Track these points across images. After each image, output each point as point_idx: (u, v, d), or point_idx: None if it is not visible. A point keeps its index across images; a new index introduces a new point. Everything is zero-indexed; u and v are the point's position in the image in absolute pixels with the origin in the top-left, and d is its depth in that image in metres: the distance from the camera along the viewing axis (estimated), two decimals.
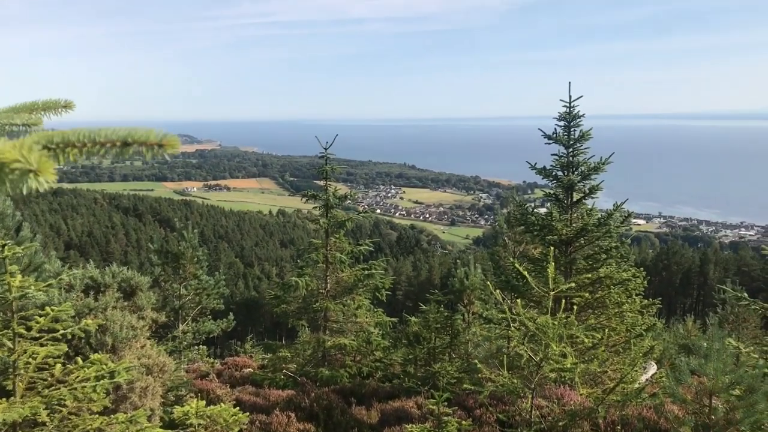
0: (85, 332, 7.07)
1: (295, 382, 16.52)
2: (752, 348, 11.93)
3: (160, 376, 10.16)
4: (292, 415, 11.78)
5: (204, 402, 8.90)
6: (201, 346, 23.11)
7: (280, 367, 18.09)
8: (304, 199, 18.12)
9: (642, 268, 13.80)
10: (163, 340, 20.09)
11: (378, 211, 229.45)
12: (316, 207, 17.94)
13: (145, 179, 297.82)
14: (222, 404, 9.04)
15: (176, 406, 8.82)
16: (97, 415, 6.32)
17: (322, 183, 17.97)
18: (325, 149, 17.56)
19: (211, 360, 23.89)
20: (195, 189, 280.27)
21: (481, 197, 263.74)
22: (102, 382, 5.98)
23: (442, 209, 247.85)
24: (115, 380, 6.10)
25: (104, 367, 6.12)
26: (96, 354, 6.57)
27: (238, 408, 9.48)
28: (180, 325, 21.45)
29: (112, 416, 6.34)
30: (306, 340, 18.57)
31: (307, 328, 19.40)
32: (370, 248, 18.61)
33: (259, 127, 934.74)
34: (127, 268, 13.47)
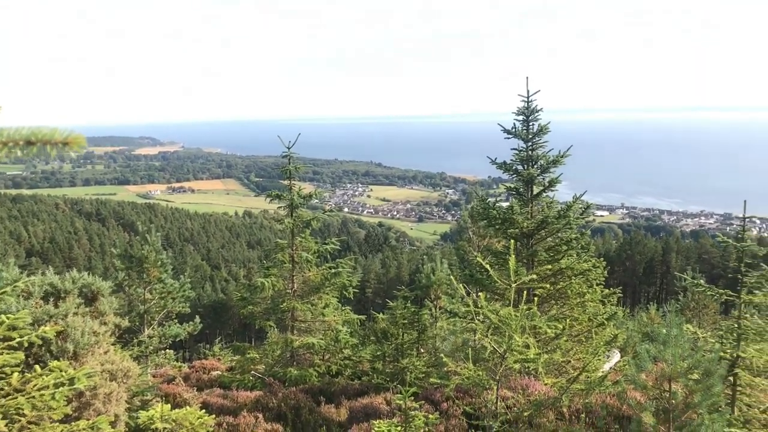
0: (44, 339, 6.96)
1: (263, 383, 16.45)
2: (710, 333, 12.26)
3: (125, 381, 10.04)
4: (260, 415, 11.74)
5: (169, 406, 8.83)
6: (168, 350, 22.85)
7: (249, 368, 17.99)
8: (268, 200, 18.03)
9: (603, 259, 14.04)
10: (128, 345, 19.82)
11: (345, 209, 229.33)
12: (280, 207, 17.86)
13: (108, 183, 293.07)
14: (188, 407, 8.98)
15: (141, 411, 8.74)
16: (57, 423, 6.24)
17: (287, 183, 17.89)
18: (288, 148, 17.47)
19: (179, 364, 23.65)
20: (158, 192, 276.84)
21: (448, 193, 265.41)
22: (61, 389, 5.89)
23: (409, 206, 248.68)
24: (74, 387, 6.02)
25: (63, 374, 6.04)
26: (55, 361, 6.48)
27: (204, 411, 9.42)
28: (145, 329, 21.18)
29: (73, 423, 6.26)
30: (274, 341, 18.50)
31: (275, 329, 19.33)
32: (337, 247, 18.59)
33: (222, 128, 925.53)
34: (88, 274, 13.26)
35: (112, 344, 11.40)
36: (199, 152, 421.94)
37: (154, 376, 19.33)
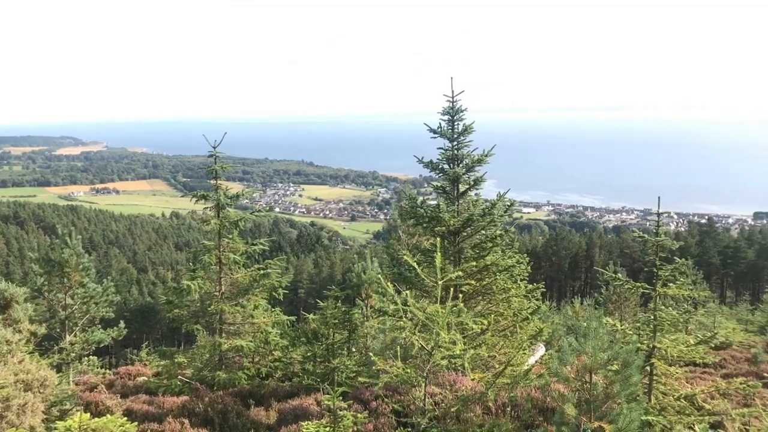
0: None
1: (191, 388, 16.12)
2: (628, 325, 12.73)
3: (41, 391, 9.64)
4: (186, 421, 11.49)
5: (89, 415, 8.54)
6: (92, 356, 22.15)
7: (176, 373, 17.57)
8: (193, 200, 17.64)
9: (530, 254, 14.41)
10: (48, 353, 19.09)
11: (277, 209, 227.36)
12: (206, 208, 17.52)
13: (27, 185, 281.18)
14: (109, 415, 8.71)
15: (59, 422, 8.41)
16: None
17: (214, 182, 17.57)
18: (214, 147, 17.16)
19: (103, 370, 22.92)
20: (81, 193, 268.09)
21: (380, 192, 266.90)
22: None
23: (342, 205, 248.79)
24: None
25: None
26: None
27: (127, 418, 9.16)
28: (67, 336, 20.46)
29: None
30: (202, 345, 18.15)
31: (204, 332, 18.97)
32: (265, 247, 18.36)
33: (148, 127, 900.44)
34: (1, 280, 12.67)
35: (29, 353, 10.94)
36: (124, 152, 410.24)
37: (76, 384, 18.68)
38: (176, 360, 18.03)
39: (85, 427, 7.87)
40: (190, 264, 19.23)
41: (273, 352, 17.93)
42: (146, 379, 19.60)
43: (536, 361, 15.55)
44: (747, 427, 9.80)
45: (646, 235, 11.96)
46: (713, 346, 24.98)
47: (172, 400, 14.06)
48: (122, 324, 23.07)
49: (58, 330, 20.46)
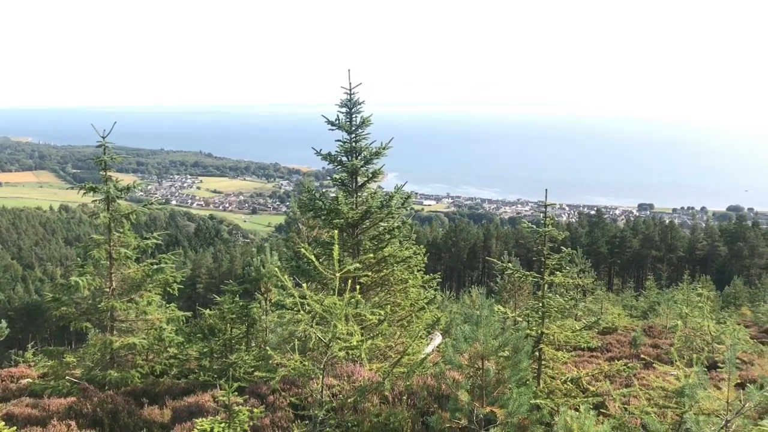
0: None
1: (80, 389, 15.44)
2: (518, 312, 13.25)
3: None
4: (73, 423, 10.99)
5: None
6: None
7: (63, 373, 16.76)
8: (81, 192, 16.84)
9: (431, 245, 14.73)
10: None
11: (173, 201, 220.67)
12: (95, 200, 16.79)
13: None
14: None
15: None
16: None
17: (103, 174, 16.84)
18: (103, 138, 16.44)
19: None
20: None
21: (282, 184, 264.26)
22: None
23: (242, 198, 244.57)
24: None
25: None
26: None
27: (6, 423, 8.67)
28: None
29: None
30: (92, 343, 17.40)
31: (95, 330, 18.19)
32: (159, 241, 17.79)
33: (34, 115, 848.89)
34: None
35: None
36: (7, 141, 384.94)
37: None
38: (65, 360, 17.22)
39: None
40: (79, 259, 18.39)
41: (168, 349, 17.45)
42: (31, 381, 18.60)
43: (433, 350, 15.91)
44: (626, 406, 10.41)
45: (534, 226, 12.48)
46: (599, 330, 26.42)
47: (59, 401, 13.40)
48: (4, 324, 21.88)
49: None
